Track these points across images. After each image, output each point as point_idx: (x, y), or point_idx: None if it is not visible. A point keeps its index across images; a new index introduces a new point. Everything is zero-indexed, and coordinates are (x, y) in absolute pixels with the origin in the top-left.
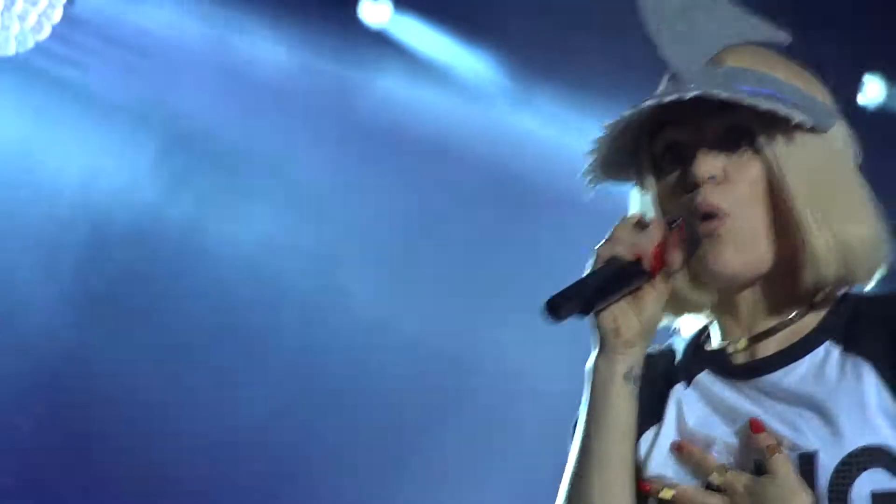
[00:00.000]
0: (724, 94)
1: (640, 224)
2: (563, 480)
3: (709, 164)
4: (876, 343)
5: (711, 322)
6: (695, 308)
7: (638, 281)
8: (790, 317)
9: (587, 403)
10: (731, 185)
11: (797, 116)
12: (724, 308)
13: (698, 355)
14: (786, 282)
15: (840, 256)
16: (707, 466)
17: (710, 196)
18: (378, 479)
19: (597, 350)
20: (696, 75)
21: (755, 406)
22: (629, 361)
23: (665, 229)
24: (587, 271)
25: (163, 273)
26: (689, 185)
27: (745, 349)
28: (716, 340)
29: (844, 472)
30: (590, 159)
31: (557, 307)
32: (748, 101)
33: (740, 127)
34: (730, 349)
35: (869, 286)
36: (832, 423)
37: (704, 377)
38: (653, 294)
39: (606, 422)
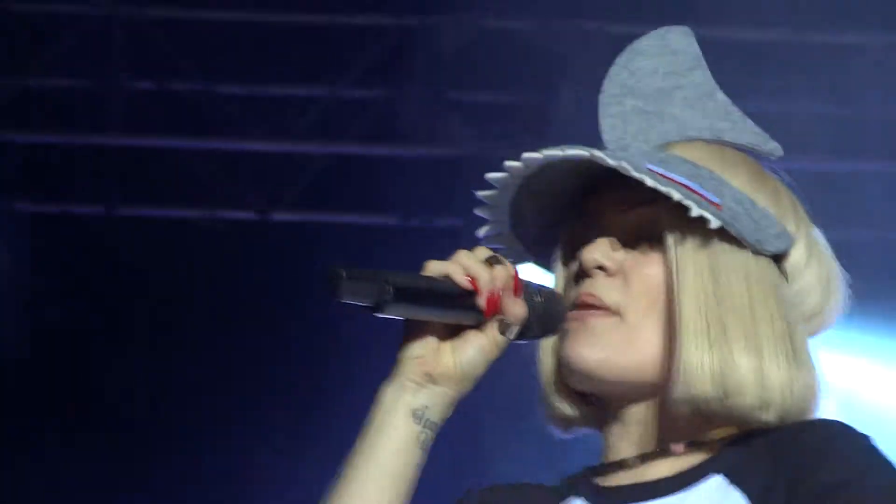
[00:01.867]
0: (611, 162)
1: (491, 261)
2: None
3: (601, 252)
4: (766, 473)
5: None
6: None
7: (464, 315)
8: (676, 447)
9: (360, 435)
10: (625, 280)
11: (710, 217)
12: (611, 421)
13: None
14: (689, 412)
15: (720, 384)
16: None
17: (595, 287)
18: None
19: (392, 376)
20: (615, 153)
21: None
22: (424, 399)
23: (511, 274)
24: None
25: None
26: (579, 273)
27: (625, 472)
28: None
29: None
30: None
31: (337, 280)
32: (650, 182)
33: (655, 222)
34: (606, 474)
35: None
36: None
37: None
38: (480, 340)
39: (378, 466)
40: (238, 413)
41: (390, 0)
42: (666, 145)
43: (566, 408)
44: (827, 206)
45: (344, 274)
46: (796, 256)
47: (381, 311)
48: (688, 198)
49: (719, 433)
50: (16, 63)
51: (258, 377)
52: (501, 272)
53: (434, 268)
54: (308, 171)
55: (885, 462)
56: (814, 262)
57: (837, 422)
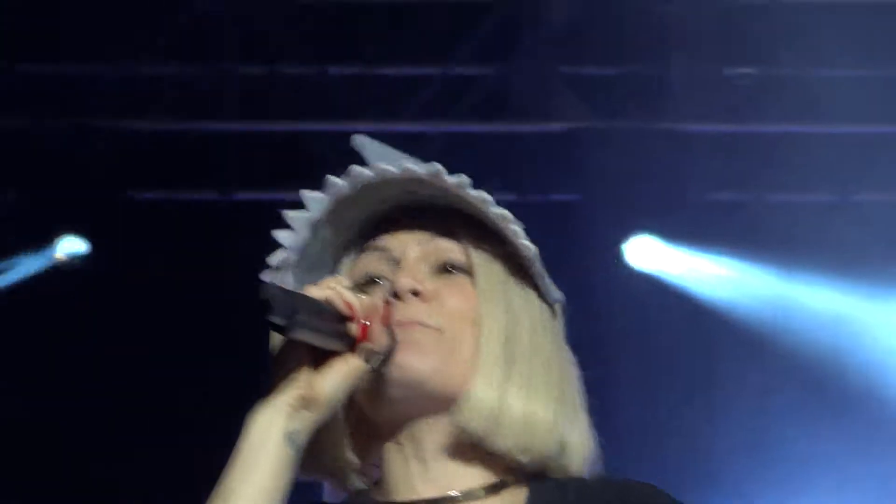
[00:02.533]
0: (450, 179)
1: (359, 289)
2: None
3: (414, 279)
4: None
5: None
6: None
7: (336, 341)
8: (471, 490)
9: (235, 455)
10: (440, 301)
11: (530, 249)
12: (393, 455)
13: None
14: (466, 437)
15: (494, 413)
16: None
17: (411, 310)
18: None
19: (267, 399)
20: (416, 174)
21: None
22: (297, 424)
23: (377, 306)
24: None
25: None
26: (391, 297)
27: None
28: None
29: None
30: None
31: (272, 297)
32: (474, 196)
33: (459, 254)
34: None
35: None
36: None
37: None
38: (345, 367)
39: (248, 485)
40: None
41: None
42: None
43: (353, 457)
44: None
45: (268, 293)
46: (558, 313)
47: (289, 331)
48: (500, 211)
49: (514, 478)
50: (128, 49)
51: None
52: (375, 301)
53: (314, 292)
54: (423, 149)
55: None
56: (561, 321)
57: (661, 492)
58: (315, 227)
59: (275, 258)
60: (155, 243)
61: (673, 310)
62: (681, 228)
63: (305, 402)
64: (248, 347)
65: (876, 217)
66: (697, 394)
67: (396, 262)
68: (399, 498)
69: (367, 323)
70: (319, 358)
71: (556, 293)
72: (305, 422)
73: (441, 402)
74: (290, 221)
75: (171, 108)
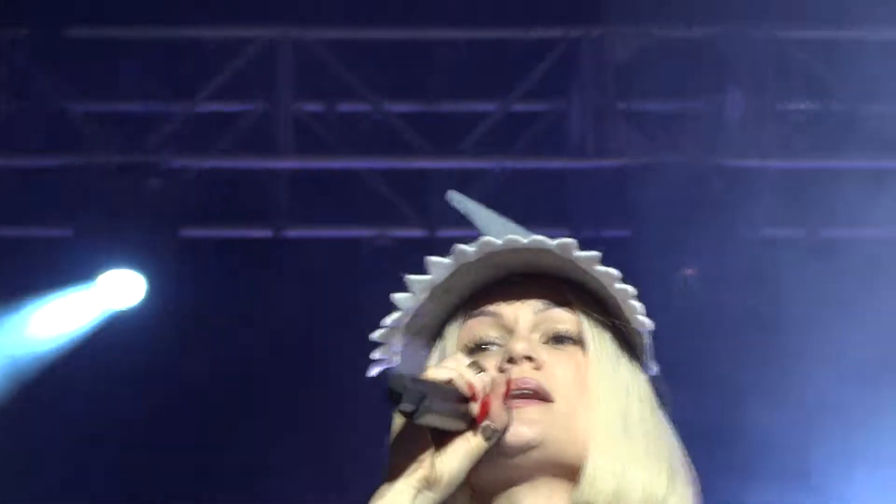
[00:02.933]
0: (579, 254)
1: (477, 366)
2: None
3: (528, 345)
4: None
5: None
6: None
7: (457, 422)
8: None
9: None
10: (551, 369)
11: (645, 326)
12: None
13: None
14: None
15: (615, 494)
16: None
17: (524, 373)
18: None
19: (392, 473)
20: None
21: None
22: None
23: (490, 392)
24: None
25: None
26: (504, 363)
27: None
28: None
29: None
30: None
31: (404, 387)
32: (599, 270)
33: (573, 324)
34: None
35: None
36: None
37: None
38: (466, 446)
39: None
40: None
41: (557, 12)
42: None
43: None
44: None
45: (404, 384)
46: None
47: (418, 417)
48: (623, 287)
49: None
50: (186, 88)
51: None
52: (490, 378)
53: (438, 374)
54: (478, 185)
55: None
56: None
57: None
58: (434, 291)
59: (389, 319)
60: (209, 281)
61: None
62: (733, 265)
63: (429, 484)
64: (301, 382)
65: None
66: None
67: (508, 330)
68: None
69: (487, 399)
70: (440, 438)
71: (654, 367)
72: (427, 502)
73: (555, 471)
74: (409, 285)
75: (228, 145)
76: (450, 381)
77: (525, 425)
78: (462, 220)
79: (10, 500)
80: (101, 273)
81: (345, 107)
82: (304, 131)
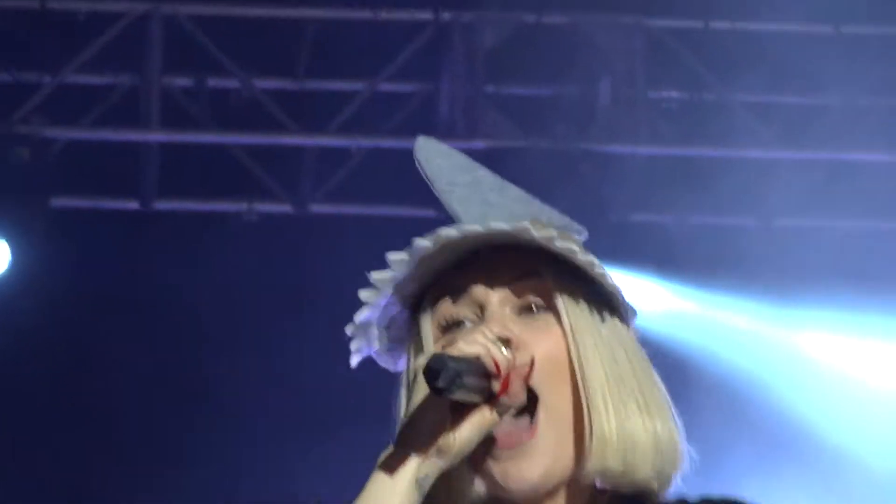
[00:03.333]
0: (537, 234)
1: (504, 341)
2: None
3: (501, 325)
4: None
5: None
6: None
7: (474, 395)
8: None
9: (366, 491)
10: (528, 349)
11: (608, 281)
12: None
13: None
14: (586, 488)
15: (624, 456)
16: None
17: (516, 354)
18: None
19: (397, 444)
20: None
21: None
22: (427, 469)
23: (512, 366)
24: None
25: None
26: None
27: None
28: None
29: None
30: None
31: (447, 368)
32: (559, 245)
33: (540, 292)
34: None
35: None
36: None
37: None
38: (480, 419)
39: None
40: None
41: None
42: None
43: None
44: None
45: (445, 363)
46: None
47: (447, 395)
48: (587, 258)
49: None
50: (54, 60)
51: (293, 371)
52: (515, 357)
53: (466, 349)
54: (345, 163)
55: None
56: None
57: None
58: (398, 286)
59: (359, 316)
60: (78, 251)
61: None
62: (601, 249)
63: (439, 451)
64: (172, 354)
65: (796, 241)
66: None
67: (480, 306)
68: None
69: (509, 376)
70: (457, 409)
71: (632, 313)
72: (434, 468)
73: (560, 484)
74: (374, 283)
75: (97, 117)
76: (478, 358)
77: (521, 467)
78: (332, 197)
79: None
80: None
81: (213, 82)
82: (172, 106)
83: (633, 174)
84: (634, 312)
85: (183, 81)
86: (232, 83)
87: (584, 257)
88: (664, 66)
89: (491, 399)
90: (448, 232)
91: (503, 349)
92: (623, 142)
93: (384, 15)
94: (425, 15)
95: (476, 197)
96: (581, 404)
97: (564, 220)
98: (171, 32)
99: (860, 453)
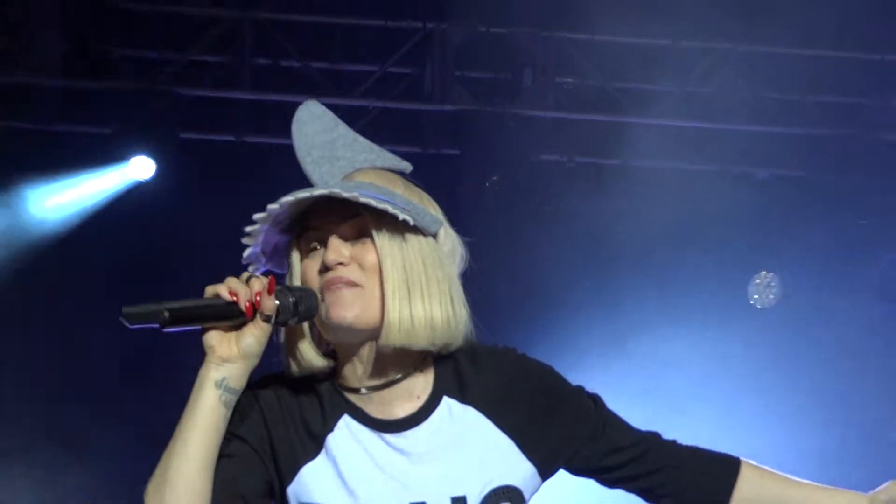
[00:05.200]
0: (346, 194)
1: (248, 279)
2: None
3: (337, 252)
4: (486, 395)
5: (334, 367)
6: (336, 348)
7: (234, 317)
8: (405, 373)
9: (187, 405)
10: (355, 264)
11: (400, 215)
12: (351, 356)
13: (335, 397)
14: (393, 348)
15: (404, 332)
16: None
17: (341, 272)
18: None
19: (203, 366)
20: (332, 186)
21: (404, 459)
22: (223, 373)
23: (264, 284)
24: (196, 300)
25: None
26: (323, 267)
27: (377, 404)
28: (352, 380)
29: None
30: (249, 242)
31: (132, 314)
32: (363, 199)
33: (363, 225)
34: (363, 399)
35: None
36: (469, 470)
37: (351, 423)
38: (251, 330)
39: (194, 419)
40: None
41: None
42: (349, 175)
43: (317, 360)
44: None
45: (125, 312)
46: (441, 231)
47: (166, 328)
48: (385, 206)
49: (416, 361)
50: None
51: None
52: (256, 283)
53: (209, 290)
54: (365, 117)
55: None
56: (448, 231)
57: (521, 354)
58: (272, 225)
59: (245, 257)
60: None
61: None
62: (521, 179)
63: (224, 359)
64: None
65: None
66: None
67: (324, 238)
68: (352, 385)
69: (255, 299)
70: (237, 327)
71: (434, 225)
72: (231, 371)
73: (369, 333)
74: (249, 231)
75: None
76: (217, 296)
77: (344, 310)
78: None
79: None
80: None
81: None
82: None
83: (543, 130)
84: (439, 225)
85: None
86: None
87: (378, 205)
88: (565, 61)
89: (244, 315)
90: (287, 198)
91: (250, 279)
92: (537, 109)
93: (391, 24)
94: (417, 24)
95: (328, 156)
96: (384, 296)
97: (395, 160)
98: None
99: None
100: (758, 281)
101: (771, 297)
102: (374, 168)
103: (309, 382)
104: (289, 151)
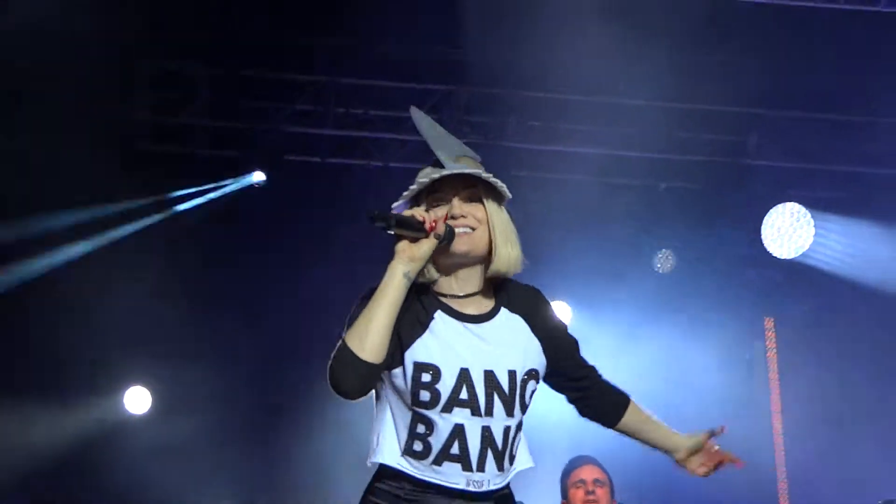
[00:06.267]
0: (476, 173)
1: (428, 211)
2: (350, 324)
3: (461, 208)
4: (524, 309)
5: (437, 281)
6: (440, 268)
7: (419, 232)
8: (480, 289)
9: (381, 285)
10: (471, 217)
11: (504, 190)
12: (451, 274)
13: (433, 300)
14: (482, 271)
15: (506, 262)
16: None
17: (461, 221)
18: None
19: (394, 259)
20: (455, 166)
21: (480, 341)
22: (407, 267)
23: (439, 216)
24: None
25: None
26: (453, 215)
27: (459, 306)
28: (446, 290)
29: (524, 380)
30: (406, 195)
31: (377, 216)
32: (484, 177)
33: (475, 193)
34: (453, 302)
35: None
36: (517, 354)
37: (443, 316)
38: (425, 243)
39: (387, 295)
40: None
41: None
42: (457, 158)
43: (434, 273)
44: None
45: (380, 214)
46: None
47: (390, 230)
48: (496, 181)
49: (486, 282)
50: None
51: None
52: (432, 216)
53: (406, 213)
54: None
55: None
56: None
57: (536, 289)
58: (424, 186)
59: (395, 206)
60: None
61: None
62: None
63: (411, 259)
64: None
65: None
66: None
67: (450, 199)
68: (445, 292)
69: (433, 224)
70: (418, 240)
71: (508, 195)
72: (411, 268)
73: (473, 260)
74: (408, 191)
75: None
76: (412, 216)
77: (464, 245)
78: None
79: None
80: None
81: None
82: None
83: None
84: (510, 199)
85: None
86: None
87: (492, 179)
88: (478, 104)
89: (426, 233)
90: (445, 172)
91: (427, 214)
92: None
93: (417, 85)
94: (436, 86)
95: (443, 142)
96: (491, 240)
97: (473, 152)
98: None
99: None
100: (660, 255)
101: (669, 265)
102: (467, 157)
103: (417, 290)
104: (342, 168)
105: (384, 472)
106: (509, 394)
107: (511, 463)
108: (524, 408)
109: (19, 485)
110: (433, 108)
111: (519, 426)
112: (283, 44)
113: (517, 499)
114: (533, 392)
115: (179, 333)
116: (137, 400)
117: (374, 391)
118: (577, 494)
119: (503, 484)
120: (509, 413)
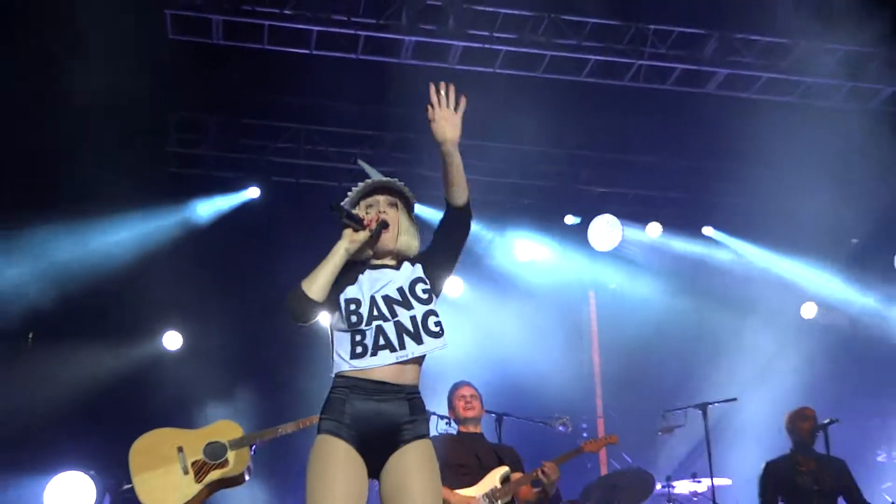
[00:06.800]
0: (397, 183)
1: (367, 211)
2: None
3: (386, 208)
4: (419, 261)
5: (370, 259)
6: (369, 254)
7: (359, 225)
8: (395, 262)
9: (329, 253)
10: (392, 216)
11: (411, 197)
12: (378, 251)
13: (365, 265)
14: (395, 250)
15: (406, 247)
16: None
17: (385, 216)
18: None
19: (341, 239)
20: (383, 181)
21: (382, 278)
22: (348, 246)
23: (375, 218)
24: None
25: None
26: (379, 212)
27: (380, 264)
28: (375, 261)
29: (412, 283)
30: (345, 203)
31: (335, 207)
32: (402, 186)
33: (394, 202)
34: (375, 264)
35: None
36: (404, 276)
37: (368, 270)
38: (362, 233)
39: (332, 261)
40: None
41: None
42: (385, 182)
43: (368, 253)
44: None
45: (333, 205)
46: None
47: (342, 219)
48: (409, 193)
49: (398, 255)
50: None
51: None
52: (373, 216)
53: (357, 211)
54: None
55: None
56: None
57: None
58: (362, 193)
59: (343, 202)
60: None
61: None
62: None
63: (352, 241)
64: None
65: None
66: None
67: (378, 203)
68: (376, 262)
69: (369, 222)
70: (358, 231)
71: (414, 203)
72: (351, 246)
73: (389, 246)
74: (351, 193)
75: None
76: (357, 214)
77: (386, 242)
78: None
79: None
80: None
81: None
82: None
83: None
84: (414, 202)
85: None
86: None
87: (404, 188)
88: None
89: (364, 227)
90: (373, 180)
91: (367, 214)
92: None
93: (360, 131)
94: (372, 132)
95: (376, 174)
96: (400, 233)
97: (398, 181)
98: None
99: None
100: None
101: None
102: (391, 179)
103: (360, 265)
104: (324, 188)
105: (340, 376)
106: (401, 297)
107: (429, 335)
108: (422, 300)
109: (89, 408)
110: (371, 146)
111: (427, 313)
112: (268, 100)
113: (427, 408)
114: (425, 290)
115: (200, 295)
116: (172, 341)
117: (329, 331)
118: (460, 404)
119: (424, 352)
120: (408, 307)
